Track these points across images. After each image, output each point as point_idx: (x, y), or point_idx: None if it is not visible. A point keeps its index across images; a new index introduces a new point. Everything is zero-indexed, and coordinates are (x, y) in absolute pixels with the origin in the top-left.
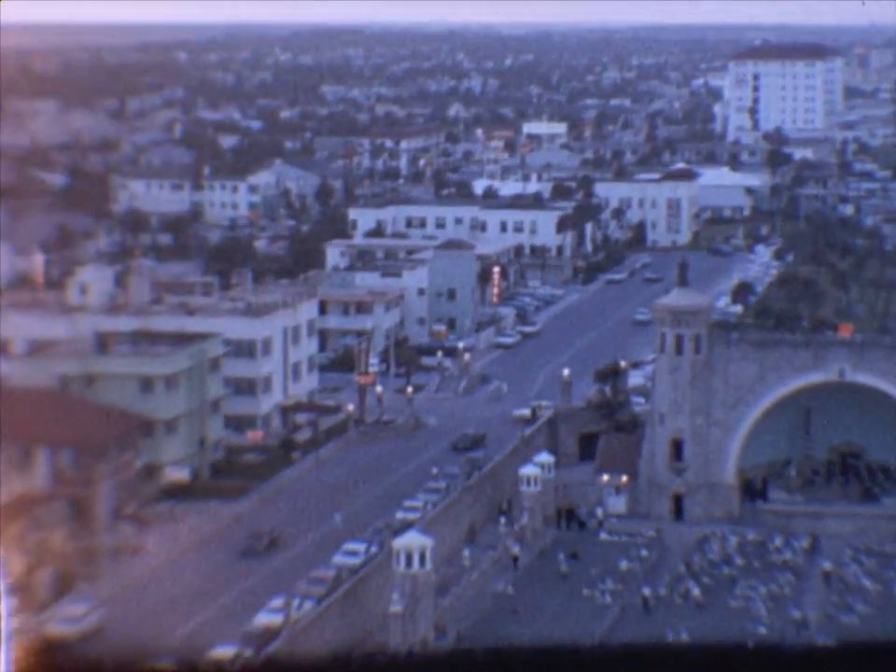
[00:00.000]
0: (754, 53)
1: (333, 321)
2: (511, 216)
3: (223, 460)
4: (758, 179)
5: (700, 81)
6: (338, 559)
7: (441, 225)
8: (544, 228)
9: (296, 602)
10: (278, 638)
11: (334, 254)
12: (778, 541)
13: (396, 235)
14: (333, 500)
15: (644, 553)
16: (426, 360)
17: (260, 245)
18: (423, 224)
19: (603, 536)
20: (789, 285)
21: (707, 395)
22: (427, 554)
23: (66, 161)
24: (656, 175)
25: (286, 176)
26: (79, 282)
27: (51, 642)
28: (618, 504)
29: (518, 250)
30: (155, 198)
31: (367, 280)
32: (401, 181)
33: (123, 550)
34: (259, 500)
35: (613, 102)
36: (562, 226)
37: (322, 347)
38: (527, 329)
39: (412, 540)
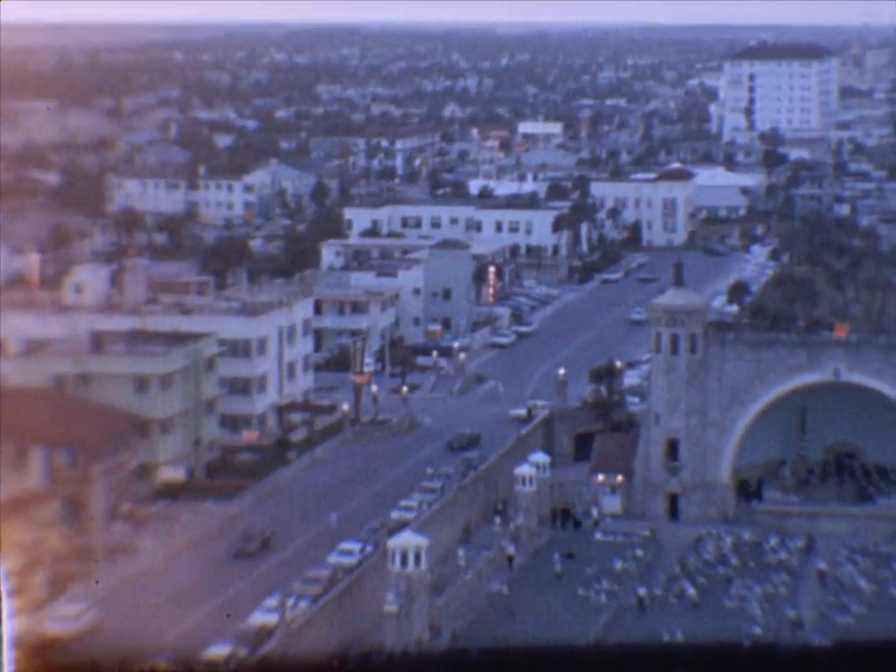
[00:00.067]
0: (750, 53)
1: (329, 321)
2: (507, 215)
3: (218, 460)
4: (753, 179)
5: (696, 81)
6: (333, 559)
7: (436, 225)
8: (540, 228)
9: (291, 601)
10: (273, 638)
11: (329, 253)
12: (774, 541)
13: (391, 235)
14: (328, 500)
15: (639, 552)
16: (421, 360)
17: (256, 244)
18: (418, 224)
19: (598, 536)
20: (784, 285)
21: (702, 395)
22: (423, 554)
23: (62, 160)
24: (652, 175)
25: (281, 176)
26: (75, 281)
27: (47, 642)
28: (613, 504)
29: (513, 250)
30: (151, 197)
31: (362, 280)
32: (397, 181)
33: (118, 549)
34: (255, 500)
35: (609, 102)
36: (557, 226)
37: (317, 347)
38: (523, 328)
39: (407, 540)
